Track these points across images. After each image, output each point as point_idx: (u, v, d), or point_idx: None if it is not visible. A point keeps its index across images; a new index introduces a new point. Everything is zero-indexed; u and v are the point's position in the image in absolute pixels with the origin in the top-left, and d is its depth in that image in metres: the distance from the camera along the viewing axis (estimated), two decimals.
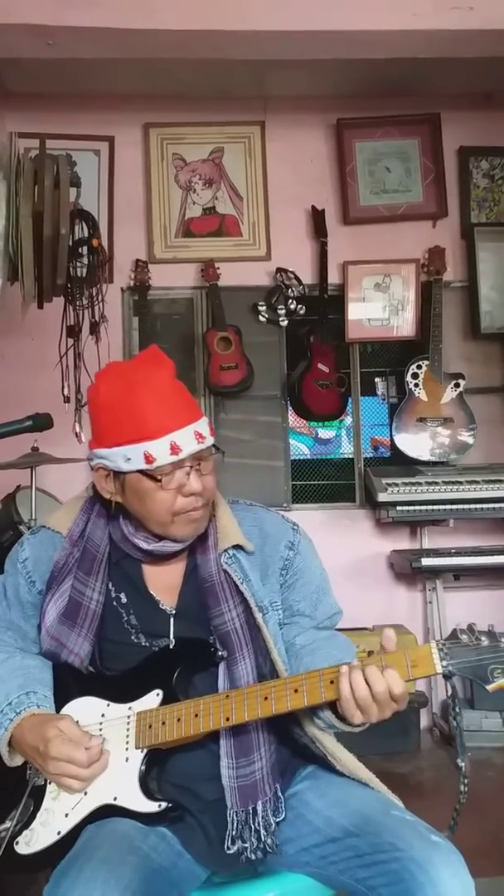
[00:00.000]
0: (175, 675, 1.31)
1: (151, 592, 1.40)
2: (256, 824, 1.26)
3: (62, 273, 2.86)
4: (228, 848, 1.26)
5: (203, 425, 1.33)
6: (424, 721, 3.45)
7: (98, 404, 1.34)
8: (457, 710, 1.21)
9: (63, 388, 3.31)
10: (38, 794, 1.31)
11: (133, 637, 1.38)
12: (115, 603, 1.39)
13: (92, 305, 3.23)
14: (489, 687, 1.15)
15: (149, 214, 3.76)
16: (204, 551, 1.40)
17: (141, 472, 1.30)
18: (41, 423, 2.64)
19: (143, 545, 1.38)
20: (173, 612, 1.39)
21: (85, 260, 3.20)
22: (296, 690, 1.22)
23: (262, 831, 1.26)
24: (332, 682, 1.21)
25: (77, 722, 1.30)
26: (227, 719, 1.24)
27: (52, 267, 2.83)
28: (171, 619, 1.38)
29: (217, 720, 1.24)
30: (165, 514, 1.33)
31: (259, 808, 1.27)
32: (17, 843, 1.28)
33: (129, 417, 1.29)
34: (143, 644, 1.37)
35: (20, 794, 1.31)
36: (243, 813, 1.27)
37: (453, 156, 3.86)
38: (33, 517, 2.82)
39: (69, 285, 3.07)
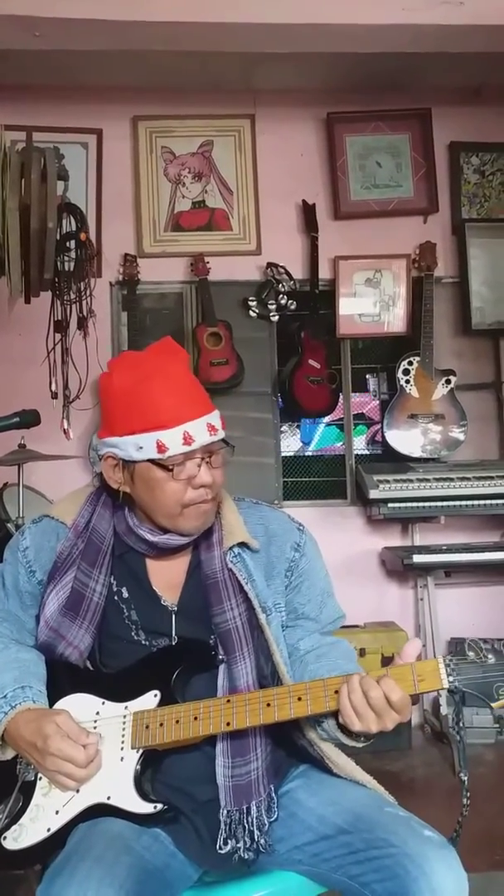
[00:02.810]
0: (174, 676, 1.29)
1: (154, 588, 1.39)
2: (250, 824, 1.25)
3: (49, 267, 2.82)
4: (220, 847, 1.25)
5: (216, 418, 1.33)
6: (415, 718, 3.45)
7: (110, 392, 1.32)
8: (460, 724, 1.22)
9: (51, 383, 3.28)
10: (28, 790, 1.30)
11: (133, 634, 1.36)
12: (116, 598, 1.38)
13: (80, 300, 3.20)
14: (494, 704, 1.18)
15: (137, 208, 3.73)
16: (208, 548, 1.39)
17: (152, 461, 1.29)
18: (28, 419, 2.61)
19: (149, 537, 1.36)
20: (175, 608, 1.38)
21: (73, 254, 3.16)
22: (299, 699, 1.22)
23: (256, 831, 1.25)
24: (336, 692, 1.21)
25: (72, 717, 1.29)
26: (228, 724, 1.23)
27: (40, 261, 2.80)
28: (173, 616, 1.37)
29: (217, 724, 1.24)
30: (174, 506, 1.31)
31: (253, 808, 1.26)
32: (4, 837, 1.26)
33: (143, 406, 1.28)
34: (143, 642, 1.36)
35: (9, 788, 1.30)
36: (237, 812, 1.26)
37: (444, 151, 3.85)
38: (21, 515, 2.80)
39: (57, 280, 3.04)
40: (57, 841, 1.24)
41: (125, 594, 1.38)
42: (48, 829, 1.25)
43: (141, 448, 1.28)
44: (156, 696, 1.29)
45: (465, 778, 1.22)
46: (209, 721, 1.24)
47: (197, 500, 1.32)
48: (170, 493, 1.30)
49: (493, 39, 3.02)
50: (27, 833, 1.26)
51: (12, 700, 1.28)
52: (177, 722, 1.25)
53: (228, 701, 1.25)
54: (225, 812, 1.26)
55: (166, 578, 1.40)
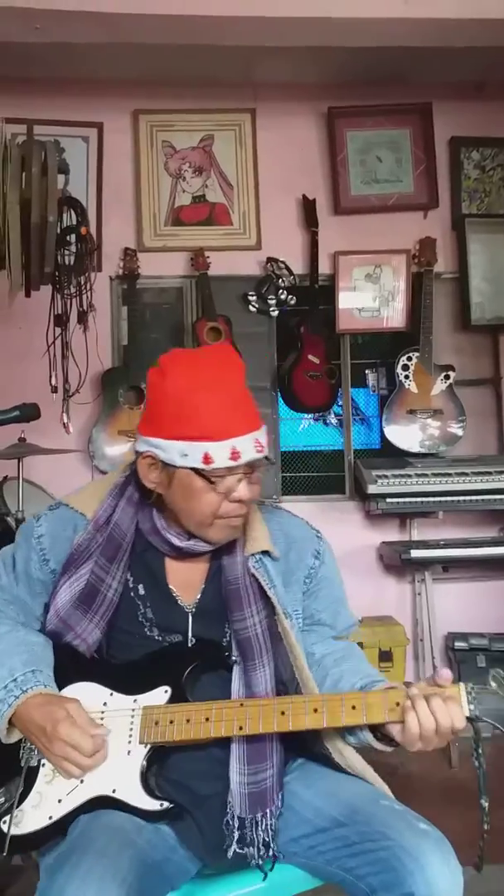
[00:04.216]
0: (185, 673, 1.29)
1: (171, 587, 1.38)
2: (265, 832, 1.26)
3: (50, 261, 2.83)
4: (228, 851, 1.25)
5: (263, 435, 1.31)
6: None
7: (163, 392, 1.29)
8: (479, 751, 1.21)
9: (51, 377, 3.29)
10: (31, 776, 1.30)
11: (146, 630, 1.36)
12: (132, 594, 1.37)
13: (80, 294, 3.21)
14: None
15: (138, 202, 3.72)
16: (231, 553, 1.38)
17: (195, 470, 1.27)
18: (28, 413, 2.62)
19: (175, 541, 1.35)
20: (192, 610, 1.38)
21: (73, 248, 3.17)
22: (315, 710, 1.22)
23: (269, 839, 1.26)
24: (353, 707, 1.21)
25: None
26: (241, 728, 1.23)
27: (40, 255, 2.80)
28: (190, 617, 1.37)
29: (230, 727, 1.23)
30: (207, 516, 1.31)
31: (268, 815, 1.27)
32: (3, 821, 1.27)
33: (195, 414, 1.25)
34: (157, 638, 1.36)
35: (11, 772, 1.30)
36: (251, 821, 1.26)
37: (444, 146, 3.84)
38: (20, 508, 2.80)
39: (57, 273, 3.04)
40: (58, 829, 1.24)
41: (141, 591, 1.38)
42: (50, 817, 1.25)
43: (186, 455, 1.26)
44: (166, 692, 1.29)
45: (486, 804, 1.22)
46: (221, 723, 1.23)
47: (231, 514, 1.31)
48: (206, 503, 1.29)
49: (495, 34, 3.01)
50: (29, 819, 1.26)
51: (23, 684, 1.27)
52: (187, 721, 1.24)
53: (242, 705, 1.25)
54: (237, 820, 1.26)
55: (184, 579, 1.39)
